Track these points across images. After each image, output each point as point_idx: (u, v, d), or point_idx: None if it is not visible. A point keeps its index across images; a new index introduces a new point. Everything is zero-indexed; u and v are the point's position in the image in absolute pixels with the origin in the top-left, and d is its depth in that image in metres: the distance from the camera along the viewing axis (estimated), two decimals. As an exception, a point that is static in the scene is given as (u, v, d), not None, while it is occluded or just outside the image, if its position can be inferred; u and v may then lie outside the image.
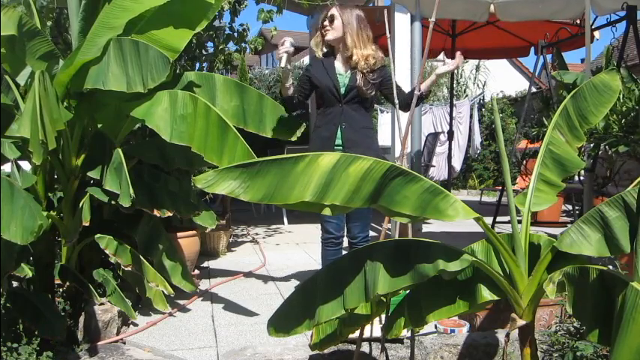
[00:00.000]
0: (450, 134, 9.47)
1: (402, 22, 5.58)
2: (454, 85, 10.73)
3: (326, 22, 3.32)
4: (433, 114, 12.37)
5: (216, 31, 5.98)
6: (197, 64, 5.99)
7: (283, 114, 3.57)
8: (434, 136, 9.21)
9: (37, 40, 2.94)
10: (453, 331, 3.02)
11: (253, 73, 16.94)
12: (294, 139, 3.73)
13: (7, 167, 3.25)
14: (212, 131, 2.90)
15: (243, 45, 6.58)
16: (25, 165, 3.28)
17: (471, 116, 11.94)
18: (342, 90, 3.29)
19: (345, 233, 3.35)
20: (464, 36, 8.45)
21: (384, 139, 11.92)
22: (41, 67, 2.91)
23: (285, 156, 1.77)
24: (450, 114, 9.56)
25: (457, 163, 11.68)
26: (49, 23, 4.07)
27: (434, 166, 9.57)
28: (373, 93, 3.31)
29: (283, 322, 2.04)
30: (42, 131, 2.56)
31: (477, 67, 15.91)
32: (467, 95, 14.89)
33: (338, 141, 3.25)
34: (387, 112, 12.77)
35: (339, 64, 3.36)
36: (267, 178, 1.74)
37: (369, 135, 3.32)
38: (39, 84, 2.64)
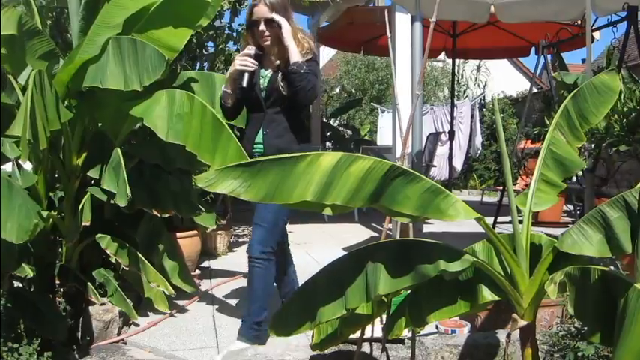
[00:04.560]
0: (451, 134, 9.47)
1: (402, 22, 5.58)
2: (455, 86, 10.73)
3: (262, 28, 2.96)
4: (434, 114, 12.37)
5: (216, 31, 5.98)
6: (197, 64, 5.99)
7: None
8: (435, 136, 9.20)
9: (37, 39, 2.95)
10: (454, 331, 3.02)
11: (254, 73, 16.95)
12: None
13: (8, 167, 3.26)
14: (206, 130, 2.89)
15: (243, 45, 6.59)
16: (27, 165, 3.28)
17: (472, 116, 11.94)
18: (263, 94, 3.01)
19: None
20: (464, 36, 8.46)
21: (385, 139, 11.95)
22: (42, 66, 2.91)
23: (285, 156, 1.77)
24: (451, 114, 9.56)
25: (458, 164, 11.67)
26: (49, 23, 4.07)
27: (435, 166, 9.57)
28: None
29: (284, 322, 2.04)
30: (31, 131, 2.56)
31: (478, 68, 15.91)
32: (467, 95, 14.89)
33: (259, 147, 3.01)
34: (388, 113, 12.79)
35: (264, 63, 3.06)
36: (268, 177, 1.74)
37: (297, 141, 2.98)
38: (34, 84, 2.64)
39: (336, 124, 13.50)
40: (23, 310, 2.99)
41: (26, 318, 2.94)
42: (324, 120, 12.04)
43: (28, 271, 3.15)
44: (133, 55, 2.81)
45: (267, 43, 2.99)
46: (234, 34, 6.36)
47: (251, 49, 2.95)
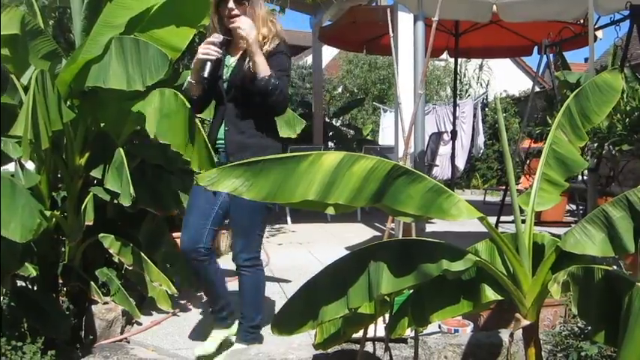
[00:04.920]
0: (454, 134, 9.46)
1: (405, 21, 5.57)
2: (457, 85, 10.73)
3: (232, 5, 2.69)
4: (436, 114, 12.37)
5: (219, 31, 5.98)
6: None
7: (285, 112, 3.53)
8: (437, 136, 9.20)
9: (39, 39, 2.95)
10: (456, 330, 3.02)
11: (256, 72, 16.95)
12: (294, 136, 3.72)
13: (11, 166, 3.27)
14: (185, 128, 2.84)
15: (246, 44, 6.59)
16: (30, 165, 3.28)
17: (475, 116, 11.93)
18: (225, 85, 2.78)
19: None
20: (467, 35, 8.45)
21: (387, 139, 11.95)
22: (44, 66, 2.91)
23: (288, 155, 1.77)
24: (454, 113, 9.56)
25: (461, 163, 11.67)
26: (51, 22, 4.08)
27: (437, 166, 9.56)
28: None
29: (286, 321, 2.04)
30: (32, 130, 2.57)
31: (480, 67, 15.90)
32: (470, 95, 14.88)
33: (221, 143, 2.80)
34: (390, 112, 12.79)
35: (230, 52, 2.83)
36: (270, 176, 1.74)
37: (260, 137, 2.75)
38: (36, 83, 2.65)
39: (338, 124, 13.49)
40: (27, 309, 3.00)
41: (29, 317, 2.95)
42: (327, 120, 12.03)
43: (31, 270, 3.16)
44: (135, 54, 2.81)
45: (234, 24, 2.69)
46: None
47: (217, 37, 2.70)
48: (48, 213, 2.96)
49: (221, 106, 2.81)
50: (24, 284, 3.29)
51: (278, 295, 4.01)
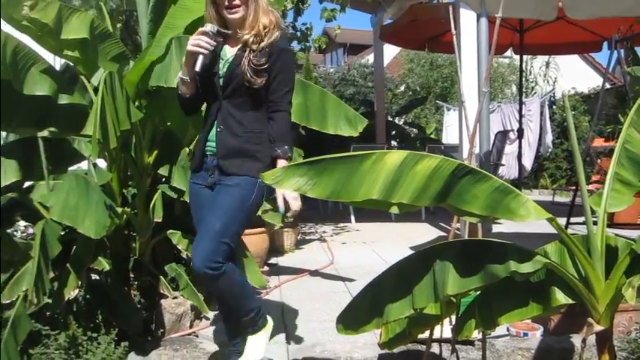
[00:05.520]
0: (520, 132, 9.23)
1: (467, 18, 5.47)
2: (523, 82, 10.45)
3: None
4: (502, 112, 12.09)
5: (280, 31, 6.04)
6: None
7: (346, 111, 3.54)
8: (503, 135, 8.99)
9: (108, 42, 3.05)
10: (526, 334, 2.95)
11: (318, 71, 17.06)
12: (355, 135, 3.72)
13: (84, 165, 3.40)
14: None
15: (307, 44, 6.63)
16: (102, 163, 3.41)
17: (542, 114, 11.59)
18: (221, 81, 2.45)
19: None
20: (533, 31, 8.21)
21: (451, 138, 11.77)
22: (113, 68, 3.01)
23: (351, 154, 1.78)
24: (520, 112, 9.32)
25: (528, 162, 11.37)
26: (119, 26, 4.22)
27: (503, 165, 9.35)
28: (264, 80, 2.37)
29: (352, 320, 2.05)
30: (101, 130, 2.66)
31: (547, 64, 15.42)
32: (536, 92, 14.46)
33: (211, 146, 2.48)
34: (454, 110, 12.59)
35: (227, 44, 2.50)
36: (333, 175, 1.75)
37: (256, 141, 2.42)
38: (105, 85, 2.74)
39: (401, 123, 13.39)
40: (101, 302, 3.12)
41: (103, 309, 3.07)
42: (389, 118, 11.95)
43: (104, 264, 3.28)
44: None
45: (236, 16, 2.37)
46: (298, 34, 6.42)
47: (209, 27, 2.38)
48: (119, 210, 3.06)
49: (214, 103, 2.48)
50: (98, 278, 3.42)
51: (343, 293, 4.03)
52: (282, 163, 2.36)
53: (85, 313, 3.11)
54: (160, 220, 3.21)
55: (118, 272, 3.34)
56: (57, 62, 3.48)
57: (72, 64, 3.20)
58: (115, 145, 2.81)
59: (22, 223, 3.63)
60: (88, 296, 3.18)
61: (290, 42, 6.35)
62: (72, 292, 3.03)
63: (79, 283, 3.09)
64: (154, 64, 3.01)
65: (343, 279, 4.47)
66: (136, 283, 3.43)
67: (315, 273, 4.73)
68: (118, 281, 3.33)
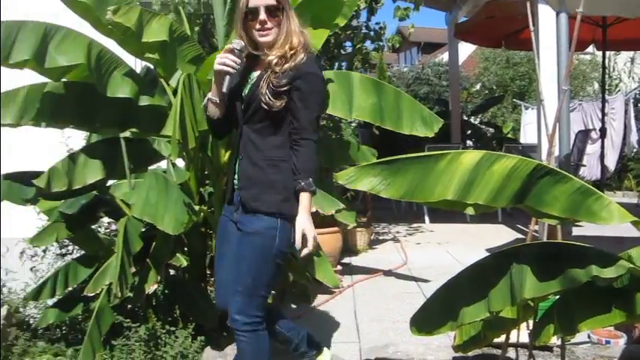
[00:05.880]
0: (603, 131, 8.87)
1: (546, 13, 5.30)
2: (606, 80, 10.02)
3: (263, 16, 2.19)
4: (583, 110, 11.63)
5: (353, 30, 6.05)
6: (336, 64, 6.10)
7: (422, 110, 3.50)
8: (584, 134, 8.65)
9: (186, 44, 3.14)
10: (608, 342, 2.83)
11: (391, 71, 16.97)
12: (431, 135, 3.67)
13: (163, 164, 3.52)
14: None
15: (380, 43, 6.61)
16: (180, 162, 3.52)
17: (626, 112, 11.07)
18: (243, 103, 2.28)
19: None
20: (616, 26, 7.85)
21: (529, 137, 11.43)
22: (190, 70, 3.10)
23: (426, 154, 1.77)
24: (602, 110, 8.95)
25: (611, 163, 10.89)
26: (196, 29, 4.34)
27: (584, 166, 9.01)
28: (283, 103, 2.17)
29: (426, 321, 2.03)
30: (180, 131, 2.74)
31: (632, 60, 14.70)
32: (620, 90, 13.82)
33: (236, 177, 2.32)
34: (532, 109, 12.22)
35: (257, 66, 2.32)
36: (408, 175, 1.75)
37: (275, 170, 2.21)
38: (183, 87, 2.83)
39: (476, 122, 13.13)
40: (179, 297, 3.23)
41: (181, 304, 3.17)
42: (464, 118, 11.74)
43: (182, 260, 3.38)
44: None
45: (268, 38, 2.23)
46: (372, 33, 6.41)
47: (236, 44, 2.23)
48: (197, 207, 3.15)
49: (238, 129, 2.32)
50: (176, 274, 3.53)
51: (416, 294, 4.00)
52: (305, 197, 2.16)
53: (163, 307, 3.23)
54: (235, 219, 3.28)
55: (195, 268, 3.43)
56: (137, 65, 3.62)
57: (152, 66, 3.32)
58: (193, 146, 2.89)
59: (105, 220, 3.81)
60: (166, 291, 3.30)
61: (363, 41, 6.34)
62: (152, 287, 3.15)
63: (159, 278, 3.20)
64: (230, 65, 3.08)
65: (417, 280, 4.43)
66: (212, 279, 3.52)
67: (388, 273, 4.71)
68: (195, 277, 3.42)
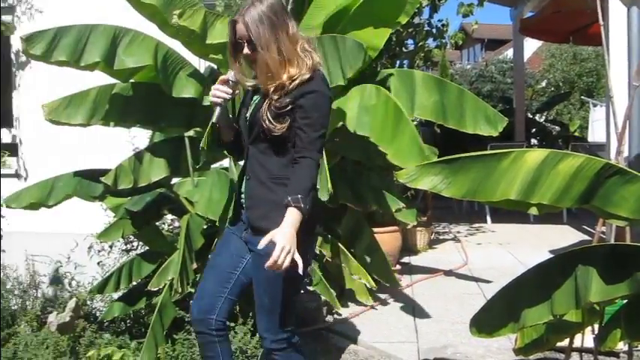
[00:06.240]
0: (677, 129, 8.45)
1: (616, 8, 5.11)
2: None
3: (247, 51, 2.14)
4: (656, 107, 11.14)
5: (415, 28, 6.00)
6: (397, 62, 6.06)
7: (485, 109, 3.43)
8: (656, 132, 8.29)
9: (250, 46, 3.21)
10: (678, 349, 2.71)
11: (454, 68, 16.74)
12: (495, 134, 3.60)
13: (225, 162, 3.59)
14: (387, 120, 2.93)
15: (443, 41, 6.53)
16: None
17: None
18: (248, 125, 2.26)
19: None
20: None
21: (597, 135, 11.05)
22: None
23: (488, 152, 1.74)
24: (678, 106, 8.53)
25: (685, 162, 10.39)
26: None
27: (656, 165, 8.62)
28: (285, 127, 2.10)
29: (486, 322, 2.00)
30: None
31: None
32: (699, 84, 13.16)
33: (242, 197, 2.28)
34: (601, 107, 11.81)
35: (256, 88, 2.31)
36: (469, 174, 1.73)
37: (282, 189, 2.09)
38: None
39: (541, 120, 12.79)
40: (239, 294, 3.28)
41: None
42: (529, 115, 11.46)
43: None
44: (334, 51, 2.93)
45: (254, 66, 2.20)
46: (434, 30, 6.34)
47: (231, 75, 2.24)
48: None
49: (245, 150, 2.30)
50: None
51: (477, 295, 3.94)
52: (291, 212, 1.99)
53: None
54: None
55: (252, 264, 3.48)
56: (201, 65, 3.70)
57: (215, 66, 3.39)
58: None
59: (169, 217, 3.92)
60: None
61: (426, 39, 6.27)
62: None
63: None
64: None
65: (477, 280, 4.36)
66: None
67: (448, 273, 4.66)
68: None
